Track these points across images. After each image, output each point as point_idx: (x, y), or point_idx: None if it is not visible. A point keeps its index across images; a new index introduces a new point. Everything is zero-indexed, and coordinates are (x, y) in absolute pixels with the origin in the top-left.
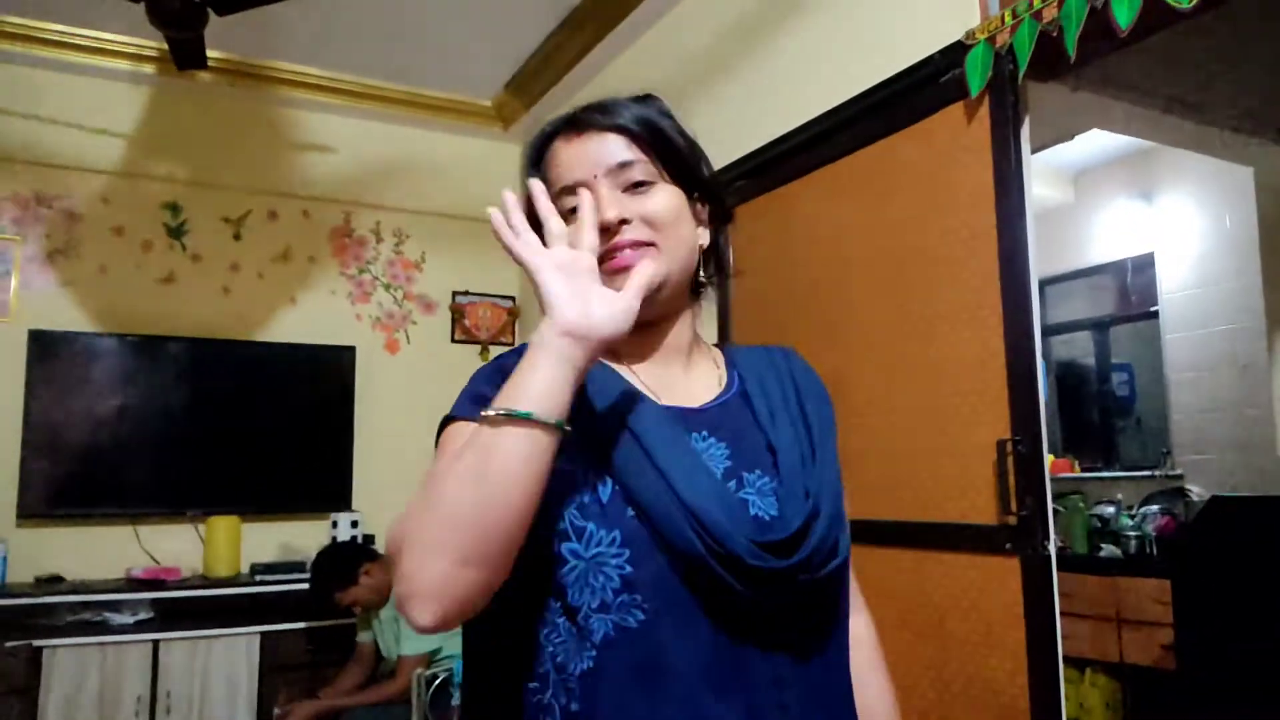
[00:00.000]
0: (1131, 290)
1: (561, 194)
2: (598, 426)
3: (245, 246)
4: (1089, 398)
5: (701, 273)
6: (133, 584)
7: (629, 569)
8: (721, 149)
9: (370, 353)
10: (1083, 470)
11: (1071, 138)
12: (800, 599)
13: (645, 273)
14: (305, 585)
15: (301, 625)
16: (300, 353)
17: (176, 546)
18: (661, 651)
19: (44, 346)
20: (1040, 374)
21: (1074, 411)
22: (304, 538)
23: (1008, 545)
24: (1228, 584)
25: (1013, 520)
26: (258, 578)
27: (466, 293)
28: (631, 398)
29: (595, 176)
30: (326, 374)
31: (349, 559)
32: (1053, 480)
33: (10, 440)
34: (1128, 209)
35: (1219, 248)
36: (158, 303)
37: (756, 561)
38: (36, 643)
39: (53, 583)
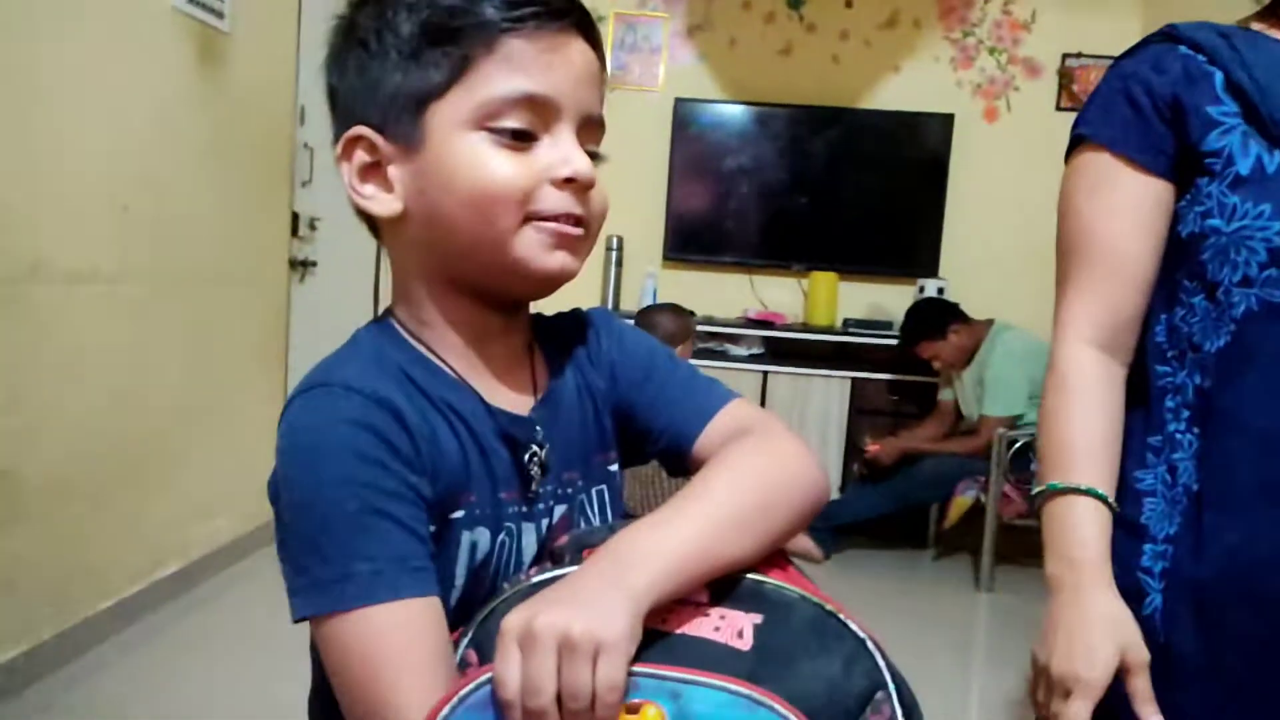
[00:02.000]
0: None
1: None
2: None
3: (856, 14)
4: None
5: None
6: (747, 323)
7: (1278, 241)
8: None
9: (968, 121)
10: None
11: None
12: None
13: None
14: (891, 341)
15: (887, 377)
16: (899, 120)
17: (782, 296)
18: None
19: (683, 113)
20: None
21: None
22: (891, 299)
23: None
24: None
25: None
26: (850, 330)
27: (1079, 55)
28: None
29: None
30: (922, 142)
31: (941, 314)
32: None
33: (658, 192)
34: None
35: None
36: (775, 73)
37: None
38: None
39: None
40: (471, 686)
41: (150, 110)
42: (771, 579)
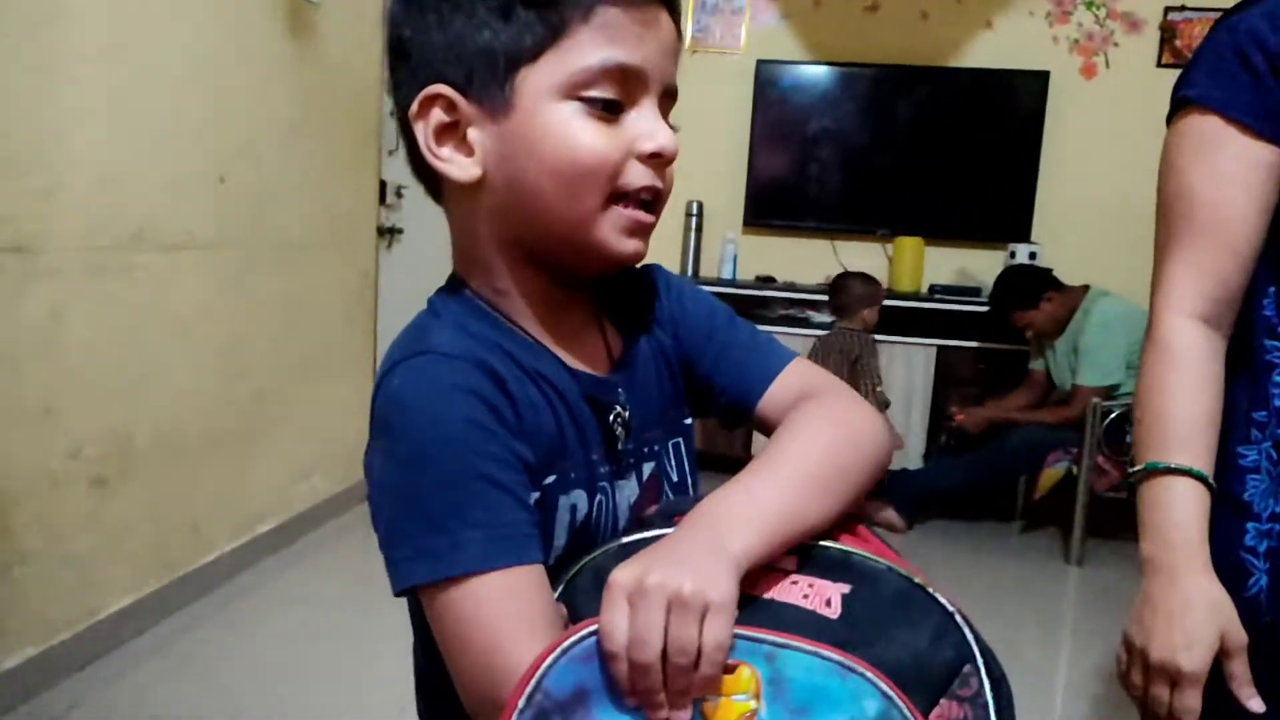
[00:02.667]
0: None
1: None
2: None
3: None
4: None
5: None
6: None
7: None
8: None
9: (1064, 79)
10: None
11: None
12: None
13: None
14: (979, 308)
15: (974, 345)
16: (990, 79)
17: (866, 262)
18: None
19: (765, 75)
20: None
21: None
22: (980, 264)
23: None
24: None
25: None
26: (936, 296)
27: (1182, 8)
28: None
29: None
30: (1015, 101)
31: (1034, 282)
32: None
33: (740, 157)
34: None
35: None
36: (860, 31)
37: None
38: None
39: (767, 282)
40: (575, 638)
41: (245, 82)
42: (858, 550)
